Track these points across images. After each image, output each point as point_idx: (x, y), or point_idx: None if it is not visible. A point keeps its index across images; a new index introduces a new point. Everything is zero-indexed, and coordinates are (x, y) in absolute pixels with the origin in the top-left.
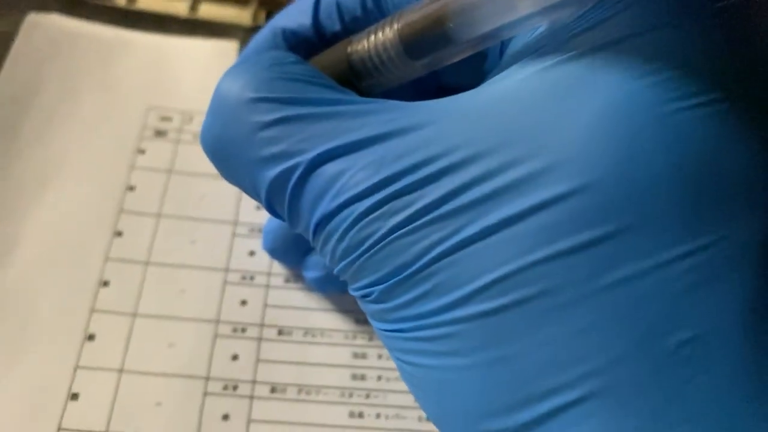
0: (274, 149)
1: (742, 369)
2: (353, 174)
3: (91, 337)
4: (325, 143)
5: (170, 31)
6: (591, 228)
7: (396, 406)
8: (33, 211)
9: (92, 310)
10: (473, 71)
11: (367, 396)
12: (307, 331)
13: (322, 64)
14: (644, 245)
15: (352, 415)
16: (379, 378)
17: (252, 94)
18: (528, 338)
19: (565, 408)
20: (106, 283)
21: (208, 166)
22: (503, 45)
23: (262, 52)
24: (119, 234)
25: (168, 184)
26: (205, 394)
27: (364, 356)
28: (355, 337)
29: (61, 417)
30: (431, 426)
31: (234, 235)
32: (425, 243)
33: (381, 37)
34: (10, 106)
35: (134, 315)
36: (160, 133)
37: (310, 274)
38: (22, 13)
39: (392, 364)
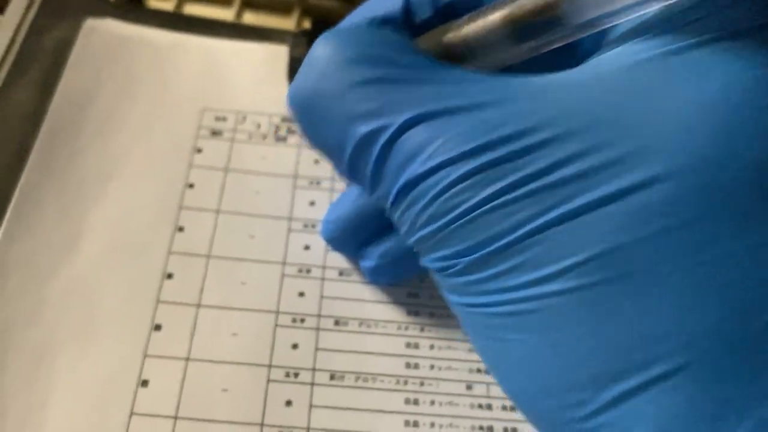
0: (368, 106)
1: None
2: (448, 138)
3: (157, 327)
4: (421, 106)
5: (220, 35)
6: (686, 210)
7: (448, 394)
8: (96, 208)
9: (158, 301)
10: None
11: (422, 384)
12: (362, 322)
13: (421, 45)
14: (736, 229)
15: (407, 401)
16: (432, 367)
17: (350, 53)
18: (622, 313)
19: (655, 381)
20: (170, 276)
21: (262, 165)
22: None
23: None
24: (181, 229)
25: (225, 182)
26: (269, 380)
27: (416, 346)
28: (407, 328)
29: (133, 403)
30: (483, 413)
31: (289, 230)
32: (523, 214)
33: (487, 20)
34: (72, 108)
35: (198, 306)
36: (215, 133)
37: (367, 263)
38: (79, 18)
39: (444, 354)
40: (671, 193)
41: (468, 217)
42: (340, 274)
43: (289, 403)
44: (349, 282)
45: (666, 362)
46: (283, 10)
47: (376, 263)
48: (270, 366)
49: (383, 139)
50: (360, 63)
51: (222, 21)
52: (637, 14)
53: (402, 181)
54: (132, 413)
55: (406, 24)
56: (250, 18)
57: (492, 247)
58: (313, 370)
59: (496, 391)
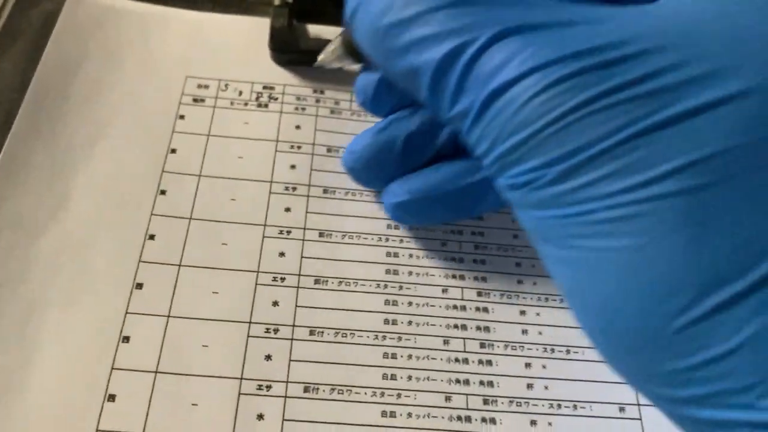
0: (454, 24)
1: None
2: (542, 46)
3: (139, 286)
4: (509, 23)
5: (203, 8)
6: None
7: (426, 348)
8: (83, 170)
9: (140, 261)
10: None
11: (399, 339)
12: (341, 281)
13: None
14: None
15: (385, 356)
16: (410, 323)
17: None
18: (733, 214)
19: (758, 286)
20: (152, 237)
21: (244, 130)
22: None
23: None
24: (163, 192)
25: (207, 147)
26: (248, 336)
27: (395, 303)
28: (386, 287)
29: (114, 358)
30: (459, 366)
31: (270, 192)
32: (620, 120)
33: None
34: (59, 75)
35: (179, 266)
36: (197, 100)
37: (393, 199)
38: None
39: (422, 310)
40: (765, 104)
41: (563, 122)
42: (320, 235)
43: (268, 357)
44: (329, 243)
45: None
46: None
47: (404, 199)
48: (250, 323)
49: (471, 50)
50: None
51: None
52: None
53: (490, 88)
54: (113, 368)
55: None
56: None
57: (589, 153)
58: (293, 326)
59: (473, 345)
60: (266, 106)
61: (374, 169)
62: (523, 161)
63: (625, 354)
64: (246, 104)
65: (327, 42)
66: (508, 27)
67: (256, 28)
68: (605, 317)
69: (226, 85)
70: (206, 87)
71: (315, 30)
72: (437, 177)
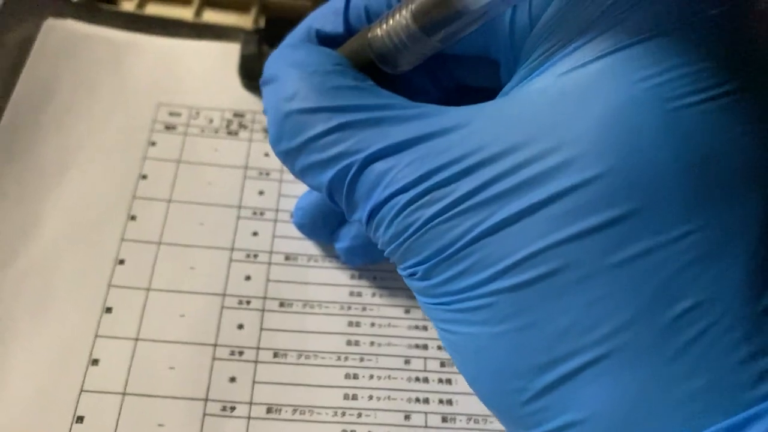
0: (333, 152)
1: (741, 331)
2: (399, 170)
3: (108, 310)
4: (375, 144)
5: (177, 35)
6: (603, 212)
7: (387, 368)
8: (53, 196)
9: (110, 285)
10: (490, 74)
11: (361, 360)
12: (306, 303)
13: (348, 50)
14: (650, 226)
15: (347, 376)
16: (372, 344)
17: (310, 104)
18: (551, 307)
19: (583, 368)
20: (122, 261)
21: (214, 157)
22: (515, 41)
23: (298, 46)
24: (133, 218)
25: (177, 173)
26: (214, 358)
27: (358, 324)
28: (349, 308)
29: (83, 380)
30: (420, 385)
31: (238, 217)
32: (462, 227)
33: (397, 19)
34: (32, 100)
35: (148, 289)
36: (169, 127)
37: (341, 244)
38: (41, 19)
39: (384, 331)
40: (588, 198)
41: (420, 232)
42: (286, 258)
43: (233, 379)
44: (295, 266)
45: (589, 352)
46: (242, 8)
47: (349, 244)
48: (215, 345)
49: (349, 176)
50: (321, 113)
51: (178, 20)
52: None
53: (368, 208)
54: (82, 390)
55: (346, 33)
56: (209, 16)
57: (442, 256)
58: (258, 348)
59: (433, 365)
60: (236, 133)
61: (321, 222)
62: (401, 260)
63: (500, 419)
64: (216, 131)
65: None
66: (376, 149)
67: (227, 54)
68: (474, 389)
69: (198, 113)
70: (178, 114)
71: None
72: None
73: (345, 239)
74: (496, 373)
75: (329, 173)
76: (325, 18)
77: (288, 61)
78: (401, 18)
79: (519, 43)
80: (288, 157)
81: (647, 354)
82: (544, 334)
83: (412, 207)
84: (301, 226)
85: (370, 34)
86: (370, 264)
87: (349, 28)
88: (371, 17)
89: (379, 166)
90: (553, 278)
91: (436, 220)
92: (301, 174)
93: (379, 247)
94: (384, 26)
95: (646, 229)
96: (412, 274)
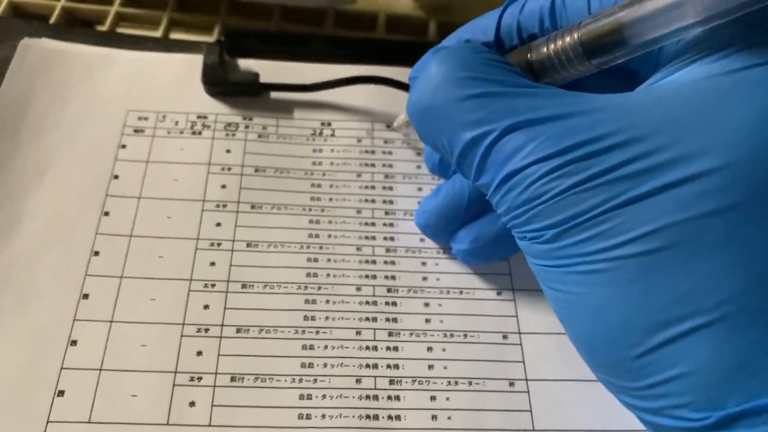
0: (475, 116)
1: None
2: (541, 141)
3: (86, 296)
4: (518, 116)
5: (146, 49)
6: (728, 197)
7: (340, 339)
8: (33, 195)
9: (86, 274)
10: (621, 76)
11: (317, 332)
12: (266, 284)
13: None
14: (763, 217)
15: (304, 347)
16: (326, 318)
17: (461, 73)
18: (675, 272)
19: (698, 328)
20: (97, 253)
21: (180, 155)
22: (661, 59)
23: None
24: (107, 214)
25: (146, 172)
26: (182, 336)
27: (314, 302)
28: (306, 288)
29: (63, 358)
30: (370, 353)
31: (203, 210)
32: (597, 199)
33: (563, 42)
34: (10, 112)
35: (121, 277)
36: (138, 131)
37: (460, 246)
38: (19, 40)
39: (338, 306)
40: (712, 184)
41: (555, 200)
42: (248, 245)
43: (199, 353)
44: (256, 252)
45: (705, 315)
46: (205, 27)
47: (468, 246)
48: (183, 324)
49: (488, 141)
50: (469, 80)
51: (148, 36)
52: (688, 34)
53: (504, 172)
54: (62, 367)
55: (496, 48)
56: (176, 36)
57: (573, 223)
58: (222, 325)
59: (382, 335)
60: (200, 133)
61: (444, 224)
62: (527, 224)
63: (602, 371)
64: (182, 132)
65: (255, 75)
66: (517, 121)
67: (192, 64)
68: (584, 345)
69: (164, 117)
70: (146, 119)
71: (244, 64)
72: (494, 227)
73: (464, 242)
74: (614, 329)
75: (468, 134)
76: (476, 31)
77: (440, 51)
78: (570, 40)
79: (665, 60)
80: (426, 115)
81: (759, 317)
82: (665, 297)
83: (551, 176)
84: (424, 227)
85: (533, 50)
86: (484, 264)
87: (499, 41)
88: (522, 33)
89: (518, 136)
90: (678, 248)
91: (573, 191)
92: (433, 134)
93: (499, 211)
94: (552, 46)
95: (763, 216)
96: (535, 237)
